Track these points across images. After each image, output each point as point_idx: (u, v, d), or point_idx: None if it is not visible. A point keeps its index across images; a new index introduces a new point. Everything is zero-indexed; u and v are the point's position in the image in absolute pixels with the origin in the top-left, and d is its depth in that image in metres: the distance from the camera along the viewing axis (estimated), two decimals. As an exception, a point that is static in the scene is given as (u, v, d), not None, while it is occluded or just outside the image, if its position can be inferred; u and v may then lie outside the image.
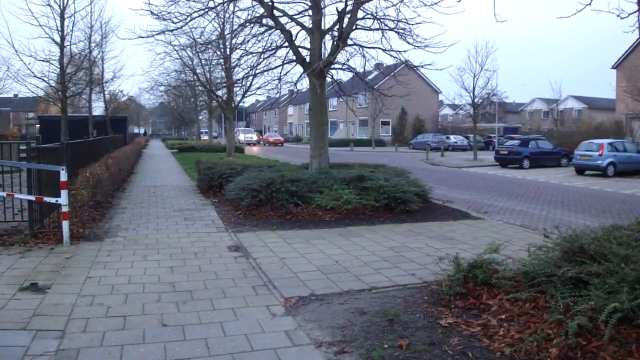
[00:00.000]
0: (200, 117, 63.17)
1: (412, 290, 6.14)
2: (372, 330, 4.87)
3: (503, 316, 4.94)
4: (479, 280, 5.65)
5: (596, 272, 4.62)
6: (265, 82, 22.86)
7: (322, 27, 14.11)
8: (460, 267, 5.83)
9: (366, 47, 14.73)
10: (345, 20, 13.24)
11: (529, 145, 31.38)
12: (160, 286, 6.29)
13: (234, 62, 23.19)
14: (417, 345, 4.51)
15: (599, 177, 25.23)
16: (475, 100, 36.10)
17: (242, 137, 65.59)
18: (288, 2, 14.58)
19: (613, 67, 41.04)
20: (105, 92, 37.16)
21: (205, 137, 61.38)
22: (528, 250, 5.72)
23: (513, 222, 11.70)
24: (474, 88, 35.50)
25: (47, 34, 25.93)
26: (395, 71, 18.71)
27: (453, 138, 57.45)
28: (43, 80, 27.23)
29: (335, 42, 13.59)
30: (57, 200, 8.37)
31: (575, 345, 4.11)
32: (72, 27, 27.26)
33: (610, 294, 4.27)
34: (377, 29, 14.23)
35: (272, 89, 20.38)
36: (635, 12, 6.79)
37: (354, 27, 13.80)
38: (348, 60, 15.51)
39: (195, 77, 29.24)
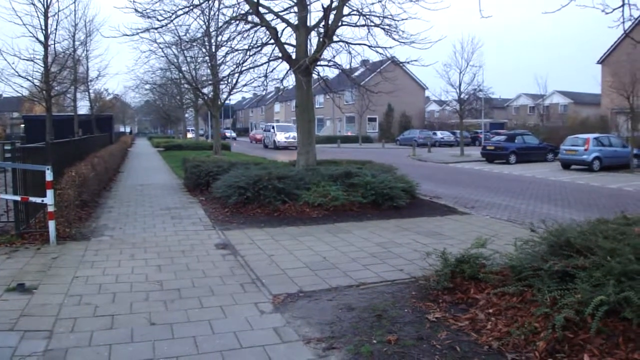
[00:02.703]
0: (187, 115, 62.41)
1: (400, 286, 6.17)
2: (360, 326, 4.89)
3: (490, 310, 4.97)
4: (467, 275, 5.69)
5: (582, 266, 4.65)
6: (251, 80, 22.92)
7: (308, 24, 14.11)
8: (448, 262, 5.87)
9: (352, 44, 14.77)
10: (331, 16, 13.23)
11: (515, 141, 31.56)
12: (148, 285, 6.27)
13: (219, 60, 23.04)
14: (405, 340, 4.53)
15: (584, 171, 25.43)
16: (462, 96, 36.27)
17: (280, 137, 47.24)
18: (273, -1, 14.56)
19: (598, 62, 41.33)
20: (90, 91, 36.80)
21: (191, 135, 61.02)
22: (515, 245, 5.75)
23: (500, 216, 11.78)
24: (460, 84, 35.68)
25: (30, 32, 25.61)
26: (382, 67, 18.83)
27: (440, 134, 57.65)
28: (27, 79, 26.88)
29: (321, 39, 13.59)
30: (42, 200, 8.30)
31: (563, 338, 4.16)
32: (56, 26, 26.84)
33: (597, 287, 4.31)
34: (363, 25, 14.28)
35: (258, 86, 20.31)
36: (619, 7, 6.85)
37: (339, 24, 13.81)
38: (334, 56, 15.52)
39: (180, 74, 29.05)
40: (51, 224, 8.23)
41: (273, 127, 50.95)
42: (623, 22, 8.57)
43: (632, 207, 12.70)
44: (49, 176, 8.24)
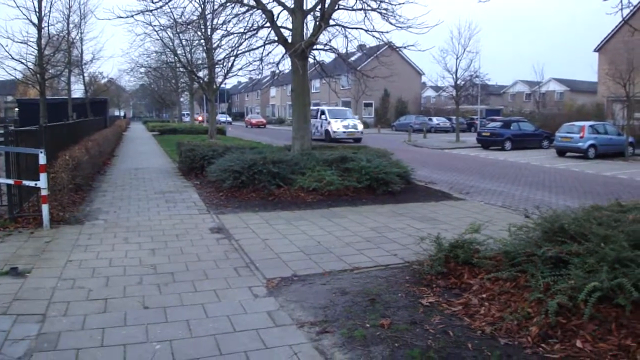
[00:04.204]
0: (182, 99, 61.98)
1: (394, 270, 6.18)
2: (354, 310, 4.90)
3: (484, 295, 4.99)
4: (461, 260, 5.70)
5: (576, 252, 4.67)
6: (246, 63, 22.78)
7: (304, 7, 14.01)
8: (442, 247, 5.88)
9: (348, 28, 14.68)
10: (328, 0, 13.14)
11: (511, 127, 31.57)
12: (141, 268, 6.26)
13: (215, 43, 22.94)
14: (398, 324, 4.54)
15: (579, 159, 25.46)
16: (458, 82, 36.17)
17: (335, 125, 34.66)
18: (270, -19, 14.41)
19: (595, 50, 41.22)
20: (85, 74, 36.61)
21: (187, 119, 60.75)
22: (509, 230, 5.76)
23: (494, 202, 11.80)
24: (456, 70, 35.58)
25: (24, 14, 25.52)
26: (378, 52, 18.72)
27: (435, 120, 57.53)
28: (21, 62, 26.79)
29: (317, 23, 13.53)
30: (36, 184, 8.26)
31: (555, 323, 4.18)
32: (50, 8, 26.68)
33: (590, 274, 4.32)
34: (360, 9, 14.19)
35: (254, 70, 20.20)
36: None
37: (336, 7, 13.74)
38: (330, 40, 15.41)
39: (176, 58, 28.93)
40: (45, 208, 8.20)
41: (324, 113, 36.53)
42: (622, 9, 8.54)
43: (626, 195, 12.74)
44: (42, 159, 8.19)
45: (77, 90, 39.56)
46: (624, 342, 3.93)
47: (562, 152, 27.14)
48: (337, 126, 34.79)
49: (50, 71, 29.08)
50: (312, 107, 38.91)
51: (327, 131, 35.03)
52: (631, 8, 9.21)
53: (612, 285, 4.15)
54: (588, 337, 4.04)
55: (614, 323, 4.11)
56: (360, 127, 36.07)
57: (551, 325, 4.18)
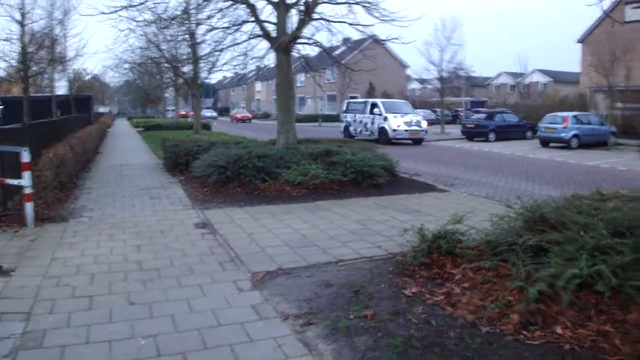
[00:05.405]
0: (167, 95, 61.56)
1: (378, 262, 6.23)
2: (338, 302, 4.94)
3: (466, 284, 5.04)
4: (443, 251, 5.76)
5: (556, 240, 4.74)
6: (231, 58, 22.62)
7: (288, 1, 13.99)
8: (425, 238, 5.93)
9: (333, 22, 14.65)
10: (311, -7, 13.14)
11: (495, 119, 31.80)
12: (126, 265, 6.27)
13: (199, 38, 22.83)
14: (382, 315, 4.59)
15: (563, 149, 25.70)
16: (443, 75, 36.29)
17: (395, 122, 27.58)
18: (253, -25, 14.34)
19: (578, 42, 41.42)
20: (69, 71, 36.34)
21: (172, 115, 60.38)
22: (491, 221, 5.83)
23: (478, 193, 11.90)
24: (440, 62, 35.68)
25: (7, 12, 25.28)
26: (363, 46, 18.74)
27: (421, 112, 57.64)
28: (4, 60, 26.58)
29: (301, 17, 13.51)
30: (19, 182, 8.22)
31: (536, 311, 4.25)
32: (33, 5, 26.56)
33: (570, 261, 4.39)
34: (344, 3, 14.19)
35: (239, 64, 20.18)
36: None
37: (319, 1, 13.72)
38: (314, 34, 15.39)
39: (160, 53, 28.75)
40: (29, 206, 8.15)
41: (376, 105, 29.23)
42: (601, 1, 8.63)
43: (608, 184, 12.89)
44: (25, 158, 8.14)
45: (61, 87, 39.25)
46: (603, 328, 4.00)
47: (545, 143, 27.39)
48: (397, 123, 27.50)
49: (33, 68, 28.81)
50: (358, 100, 34.40)
51: (382, 129, 27.82)
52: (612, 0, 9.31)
53: (592, 272, 4.23)
54: (568, 324, 4.11)
55: (593, 309, 4.19)
56: (424, 124, 29.16)
57: (532, 313, 4.25)
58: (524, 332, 4.13)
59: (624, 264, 4.21)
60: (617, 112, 30.24)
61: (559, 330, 4.07)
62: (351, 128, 30.75)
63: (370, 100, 31.46)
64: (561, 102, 40.06)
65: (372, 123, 28.61)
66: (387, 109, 28.35)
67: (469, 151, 24.99)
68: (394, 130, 27.31)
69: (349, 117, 31.37)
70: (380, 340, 4.15)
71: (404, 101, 33.44)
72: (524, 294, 4.40)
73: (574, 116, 27.02)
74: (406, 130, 27.49)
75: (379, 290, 5.22)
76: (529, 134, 32.08)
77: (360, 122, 29.79)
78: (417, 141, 28.25)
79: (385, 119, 27.63)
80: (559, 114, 27.88)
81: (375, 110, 28.64)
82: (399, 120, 27.52)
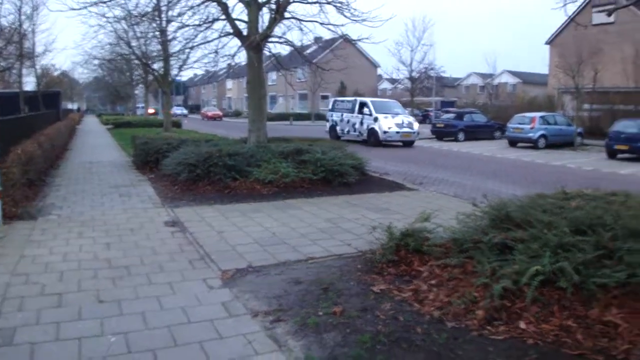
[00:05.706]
0: (137, 92, 60.83)
1: (347, 260, 6.31)
2: (307, 299, 5.01)
3: (433, 281, 5.14)
4: (411, 248, 5.86)
5: (521, 238, 4.86)
6: (202, 56, 22.61)
7: (259, 0, 14.00)
8: (393, 235, 6.02)
9: (304, 21, 14.69)
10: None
11: (464, 119, 32.16)
12: (96, 263, 6.24)
13: (170, 35, 22.71)
14: (350, 311, 4.67)
15: (530, 149, 26.13)
16: (413, 74, 36.69)
17: (386, 124, 25.98)
18: (224, -26, 14.31)
19: (546, 43, 42.11)
20: (37, 67, 35.72)
21: (141, 112, 59.77)
22: (457, 219, 5.94)
23: (446, 192, 12.06)
24: (411, 62, 36.09)
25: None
26: (334, 45, 18.82)
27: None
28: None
29: (272, 15, 13.52)
30: (-14, 179, 8.12)
31: (501, 306, 4.36)
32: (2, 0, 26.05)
33: (534, 258, 4.52)
34: (315, 2, 14.22)
35: (210, 62, 20.10)
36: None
37: (291, 0, 13.75)
38: (285, 33, 15.41)
39: (130, 50, 28.44)
40: (-5, 204, 8.06)
41: (366, 105, 27.50)
42: (565, 5, 8.85)
43: (573, 183, 13.08)
44: (-8, 154, 8.05)
45: (29, 83, 38.58)
46: (565, 323, 4.14)
47: (513, 143, 27.82)
48: (388, 124, 25.89)
49: (1, 64, 28.31)
50: (346, 98, 32.03)
51: (372, 131, 26.27)
52: (576, 3, 9.54)
53: (555, 269, 4.35)
54: (531, 319, 4.23)
55: (556, 305, 4.31)
56: (416, 125, 27.47)
57: (496, 309, 4.36)
58: (489, 327, 4.24)
59: (586, 261, 4.35)
60: (584, 113, 30.85)
61: (522, 325, 4.19)
62: (338, 128, 29.16)
63: (359, 99, 29.74)
64: (529, 103, 40.66)
65: (361, 124, 27.06)
66: (377, 109, 26.73)
67: (438, 150, 25.26)
68: (385, 132, 25.78)
69: (335, 116, 29.68)
70: (348, 336, 4.22)
71: (395, 101, 31.87)
72: (489, 290, 4.50)
73: (542, 117, 27.49)
74: (397, 132, 26.06)
75: (348, 287, 5.30)
76: (497, 134, 32.53)
77: (348, 122, 28.22)
78: (408, 144, 26.87)
79: (376, 119, 26.10)
80: (527, 114, 28.34)
81: (365, 110, 27.05)
82: (390, 122, 26.02)
